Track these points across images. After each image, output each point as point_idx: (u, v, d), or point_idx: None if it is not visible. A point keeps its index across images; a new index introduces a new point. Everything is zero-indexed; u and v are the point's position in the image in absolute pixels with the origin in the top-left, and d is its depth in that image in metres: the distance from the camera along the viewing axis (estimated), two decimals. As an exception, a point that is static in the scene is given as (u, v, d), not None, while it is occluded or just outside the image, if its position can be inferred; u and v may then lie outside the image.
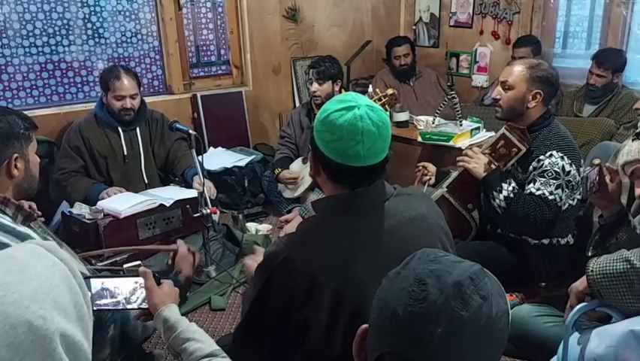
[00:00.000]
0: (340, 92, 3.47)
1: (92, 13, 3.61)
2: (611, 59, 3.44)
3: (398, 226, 1.25)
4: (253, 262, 1.60)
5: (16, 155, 1.53)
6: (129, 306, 1.45)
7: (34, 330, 0.66)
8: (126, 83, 2.94)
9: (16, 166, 1.53)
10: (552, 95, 2.34)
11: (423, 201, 1.37)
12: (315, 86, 3.40)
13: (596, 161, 1.80)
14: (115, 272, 2.14)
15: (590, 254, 1.85)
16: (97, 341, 1.34)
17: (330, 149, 1.21)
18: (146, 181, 3.12)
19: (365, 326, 0.83)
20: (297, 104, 4.34)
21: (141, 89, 3.10)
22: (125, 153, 3.05)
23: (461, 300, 0.72)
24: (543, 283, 2.46)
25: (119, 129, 3.03)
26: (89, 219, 2.63)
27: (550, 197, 2.16)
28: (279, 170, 3.48)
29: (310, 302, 1.17)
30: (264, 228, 3.20)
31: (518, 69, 2.29)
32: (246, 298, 1.49)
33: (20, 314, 0.66)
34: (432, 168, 2.67)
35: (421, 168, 2.69)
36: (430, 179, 2.63)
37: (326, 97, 3.38)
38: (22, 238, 1.42)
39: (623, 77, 3.54)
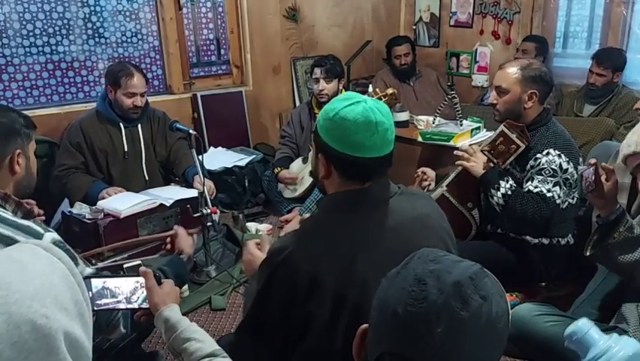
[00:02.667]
0: (342, 90, 3.48)
1: (92, 12, 3.61)
2: (611, 58, 3.45)
3: (401, 224, 1.25)
4: (251, 256, 1.61)
5: (18, 151, 1.55)
6: (130, 306, 1.45)
7: (38, 329, 0.66)
8: (137, 81, 2.94)
9: (18, 162, 1.55)
10: (547, 93, 2.34)
11: (427, 202, 1.38)
12: (322, 85, 3.40)
13: (592, 160, 1.81)
14: (115, 272, 2.14)
15: (587, 254, 1.86)
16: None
17: (347, 144, 1.22)
18: (147, 178, 3.11)
19: (365, 326, 0.83)
20: (298, 103, 4.34)
21: (148, 85, 3.11)
22: (126, 150, 3.04)
23: (461, 300, 0.72)
24: (543, 283, 2.46)
25: (121, 125, 3.02)
26: (89, 219, 2.63)
27: (548, 194, 2.17)
28: (279, 169, 3.48)
29: (312, 298, 1.17)
30: (264, 228, 3.20)
31: (510, 72, 2.30)
32: (248, 294, 1.50)
33: (23, 313, 0.66)
34: (431, 173, 2.66)
35: (420, 173, 2.68)
36: (430, 184, 2.63)
37: (333, 95, 3.39)
38: (24, 230, 1.42)
39: (623, 77, 3.55)
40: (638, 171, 1.72)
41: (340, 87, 3.47)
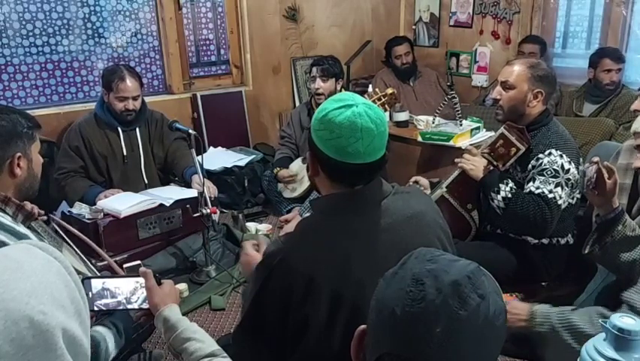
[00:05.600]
0: (341, 91, 3.48)
1: (92, 12, 3.61)
2: (620, 52, 3.49)
3: (396, 224, 1.25)
4: (248, 257, 1.61)
5: (18, 154, 1.53)
6: (130, 306, 1.45)
7: (36, 325, 0.67)
8: (129, 84, 2.92)
9: (19, 165, 1.53)
10: (551, 94, 2.34)
11: (422, 199, 1.37)
12: (318, 83, 3.41)
13: (595, 159, 1.82)
14: (114, 272, 2.14)
15: (585, 252, 1.87)
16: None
17: (330, 147, 1.22)
18: (146, 182, 3.12)
19: (363, 327, 0.82)
20: (297, 103, 4.34)
21: (143, 88, 3.10)
22: (125, 154, 3.05)
23: (459, 299, 0.72)
24: (543, 283, 2.46)
25: (119, 130, 3.03)
26: (88, 219, 2.63)
27: (550, 195, 2.16)
28: (278, 169, 3.49)
29: (309, 300, 1.17)
30: (263, 228, 3.20)
31: (519, 69, 2.28)
32: (245, 295, 1.50)
33: (21, 310, 0.66)
34: (424, 181, 2.62)
35: (412, 183, 2.62)
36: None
37: (329, 95, 3.39)
38: (20, 238, 1.42)
39: (623, 77, 3.55)
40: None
41: (338, 87, 3.48)
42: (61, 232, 2.03)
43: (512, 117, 2.29)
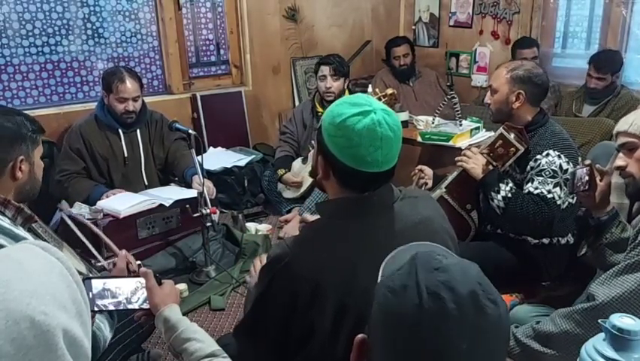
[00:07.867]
0: (346, 89, 3.49)
1: (92, 12, 3.61)
2: (608, 63, 3.43)
3: (404, 230, 1.23)
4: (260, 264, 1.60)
5: (21, 157, 1.52)
6: (130, 306, 1.45)
7: (37, 326, 0.67)
8: (129, 85, 2.92)
9: (20, 168, 1.52)
10: (538, 94, 2.31)
11: (429, 204, 1.35)
12: (329, 82, 3.41)
13: (587, 161, 1.83)
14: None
15: (580, 254, 1.87)
16: None
17: (347, 155, 1.19)
18: (146, 183, 3.12)
19: (362, 336, 0.80)
20: (297, 104, 4.34)
21: (143, 90, 3.10)
22: (126, 155, 3.05)
23: (477, 309, 0.71)
24: (543, 283, 2.46)
25: (120, 131, 3.03)
26: (88, 219, 2.63)
27: (549, 195, 2.17)
28: (283, 171, 3.48)
29: (314, 306, 1.16)
30: (263, 228, 3.20)
31: (500, 72, 2.34)
32: (248, 299, 1.49)
33: (22, 310, 0.66)
34: (428, 171, 2.65)
35: (417, 171, 2.67)
36: (427, 183, 2.63)
37: (339, 94, 3.41)
38: (19, 241, 1.41)
39: (622, 78, 3.55)
40: (621, 148, 1.74)
41: (345, 86, 3.49)
42: (73, 227, 2.01)
43: (502, 119, 2.34)
